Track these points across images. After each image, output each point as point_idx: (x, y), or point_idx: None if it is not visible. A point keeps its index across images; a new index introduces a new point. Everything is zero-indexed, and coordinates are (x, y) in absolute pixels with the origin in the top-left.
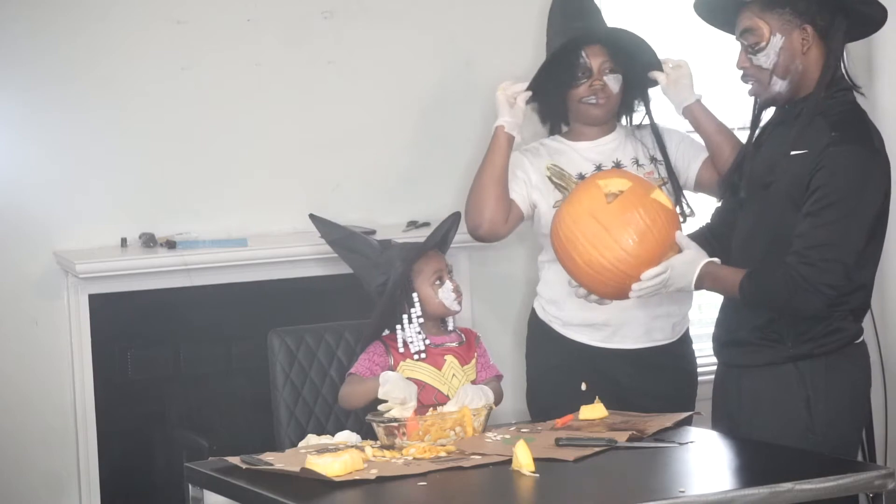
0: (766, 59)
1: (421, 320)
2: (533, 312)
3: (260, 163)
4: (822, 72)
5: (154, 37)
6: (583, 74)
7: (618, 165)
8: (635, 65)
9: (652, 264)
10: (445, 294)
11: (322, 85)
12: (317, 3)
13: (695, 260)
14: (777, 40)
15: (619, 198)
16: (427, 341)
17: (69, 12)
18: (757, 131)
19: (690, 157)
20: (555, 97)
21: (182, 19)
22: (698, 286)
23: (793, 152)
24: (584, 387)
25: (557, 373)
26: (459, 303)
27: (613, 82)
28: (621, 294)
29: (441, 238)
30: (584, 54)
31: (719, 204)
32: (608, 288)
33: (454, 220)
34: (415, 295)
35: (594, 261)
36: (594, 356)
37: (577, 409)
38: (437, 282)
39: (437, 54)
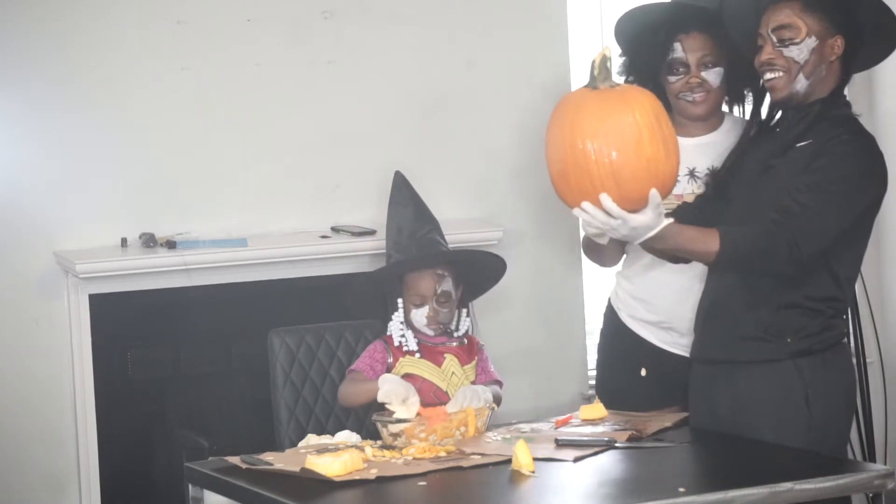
0: (800, 53)
1: (402, 326)
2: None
3: (260, 163)
4: (838, 84)
5: (154, 37)
6: (679, 69)
7: (712, 172)
8: (743, 51)
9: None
10: (417, 317)
11: (322, 85)
12: (317, 3)
13: (650, 226)
14: (811, 41)
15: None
16: (416, 339)
17: (69, 12)
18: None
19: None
20: (647, 80)
21: (182, 19)
22: (645, 245)
23: (798, 144)
24: (643, 372)
25: (619, 360)
26: (433, 330)
27: (714, 77)
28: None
29: (472, 273)
30: (679, 46)
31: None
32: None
33: (492, 263)
34: (399, 301)
35: (655, 156)
36: (656, 353)
37: (635, 397)
38: (419, 302)
39: (437, 54)
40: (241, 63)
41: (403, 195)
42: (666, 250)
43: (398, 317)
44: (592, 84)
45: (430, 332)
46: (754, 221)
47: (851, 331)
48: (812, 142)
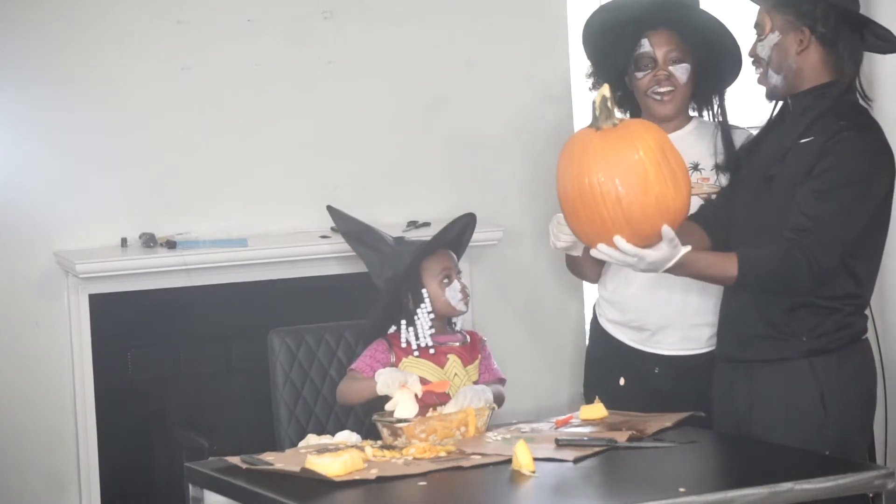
0: (762, 49)
1: (432, 316)
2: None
3: (260, 163)
4: (838, 76)
5: (154, 37)
6: (646, 64)
7: (727, 162)
8: (711, 52)
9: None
10: (452, 293)
11: (322, 85)
12: (317, 3)
13: (667, 258)
14: (773, 37)
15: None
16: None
17: (69, 12)
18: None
19: None
20: (615, 82)
21: (182, 19)
22: (668, 272)
23: (801, 140)
24: (622, 381)
25: (599, 365)
26: (466, 304)
27: (681, 72)
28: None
29: (455, 239)
30: (647, 42)
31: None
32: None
33: (469, 221)
34: (424, 291)
35: (663, 193)
36: (631, 355)
37: (613, 403)
38: (445, 280)
39: (437, 54)
40: (241, 63)
41: (351, 221)
42: (687, 276)
43: (426, 307)
44: (595, 124)
45: (464, 308)
46: (768, 240)
47: None
48: (814, 139)
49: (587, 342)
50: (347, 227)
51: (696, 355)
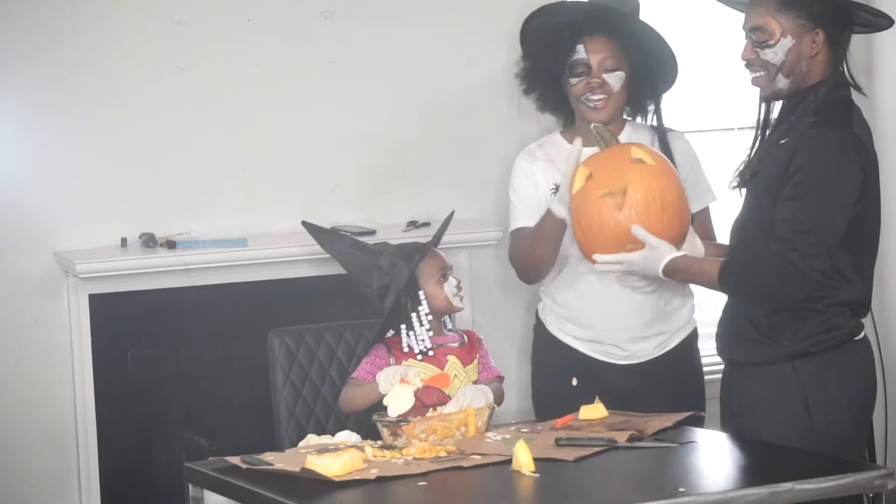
0: (775, 56)
1: (430, 317)
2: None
3: (260, 163)
4: (829, 74)
5: (154, 37)
6: (581, 71)
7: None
8: (647, 60)
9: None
10: (450, 289)
11: (322, 85)
12: (317, 3)
13: (657, 257)
14: (787, 42)
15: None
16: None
17: (69, 12)
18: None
19: (690, 196)
20: (549, 86)
21: (182, 19)
22: (669, 276)
23: (781, 142)
24: (574, 382)
25: (549, 368)
26: (461, 299)
27: (615, 80)
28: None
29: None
30: (582, 48)
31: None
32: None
33: (450, 218)
34: (421, 293)
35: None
36: (583, 359)
37: (575, 407)
38: (442, 277)
39: (437, 54)
40: (241, 63)
41: (331, 236)
42: (685, 282)
43: (423, 310)
44: None
45: (461, 305)
46: (755, 247)
47: None
48: (789, 139)
49: (532, 349)
50: (324, 239)
51: (645, 362)
